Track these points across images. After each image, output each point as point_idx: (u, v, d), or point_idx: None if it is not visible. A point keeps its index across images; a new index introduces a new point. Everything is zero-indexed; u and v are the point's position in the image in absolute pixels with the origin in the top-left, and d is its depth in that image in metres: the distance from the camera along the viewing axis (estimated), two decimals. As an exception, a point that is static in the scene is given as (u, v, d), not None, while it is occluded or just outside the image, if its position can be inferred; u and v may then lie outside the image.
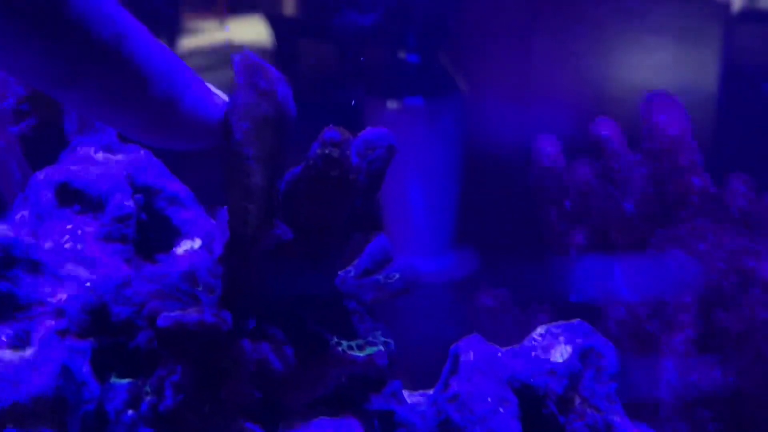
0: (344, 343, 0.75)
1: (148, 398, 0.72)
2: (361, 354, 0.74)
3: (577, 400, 0.84)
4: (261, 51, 1.42)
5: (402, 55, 1.32)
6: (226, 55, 1.41)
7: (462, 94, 1.31)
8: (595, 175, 1.01)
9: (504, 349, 0.85)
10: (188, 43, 1.41)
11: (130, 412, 0.71)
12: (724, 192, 0.95)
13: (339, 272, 0.83)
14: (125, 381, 0.73)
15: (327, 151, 0.73)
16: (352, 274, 0.83)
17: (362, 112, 1.32)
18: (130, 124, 0.66)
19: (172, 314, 0.70)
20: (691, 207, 0.93)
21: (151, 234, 0.91)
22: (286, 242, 0.73)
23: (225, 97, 0.73)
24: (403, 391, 0.91)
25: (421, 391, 0.93)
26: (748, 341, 0.85)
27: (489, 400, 0.81)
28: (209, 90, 0.72)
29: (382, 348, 0.75)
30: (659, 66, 1.23)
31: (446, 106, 1.29)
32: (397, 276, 0.81)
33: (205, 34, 1.41)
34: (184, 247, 0.89)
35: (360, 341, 0.75)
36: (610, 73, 1.24)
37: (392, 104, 1.29)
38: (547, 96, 1.26)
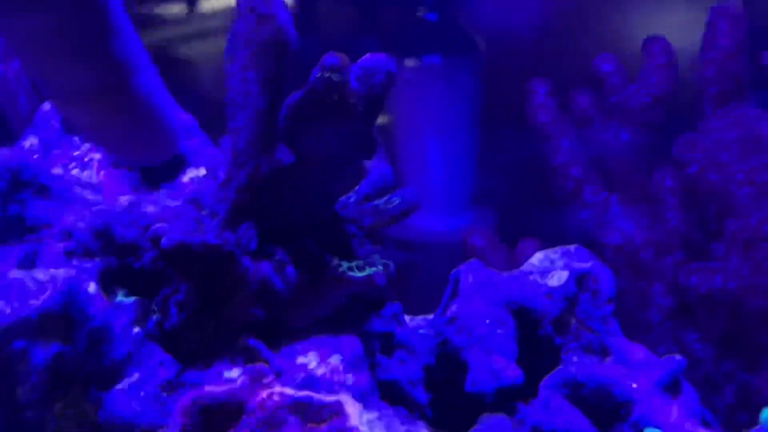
0: (344, 264, 0.76)
1: (154, 316, 0.74)
2: (361, 274, 0.76)
3: (574, 322, 0.85)
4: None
5: (420, 13, 1.32)
6: None
7: (479, 51, 1.31)
8: (594, 106, 1.02)
9: (503, 273, 0.87)
10: (207, 3, 1.41)
11: (136, 329, 0.73)
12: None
13: (341, 197, 0.84)
14: (131, 299, 0.75)
15: (327, 75, 0.74)
16: (353, 199, 0.84)
17: None
18: (74, 79, 0.62)
19: (176, 235, 0.72)
20: (712, 119, 0.94)
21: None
22: (288, 166, 0.75)
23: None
24: (406, 316, 0.93)
25: (423, 316, 0.95)
26: (753, 249, 0.86)
27: (487, 321, 0.83)
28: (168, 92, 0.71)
29: (380, 269, 0.77)
30: (675, 25, 1.23)
31: (464, 64, 1.29)
32: (397, 201, 0.82)
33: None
34: (189, 175, 0.91)
35: (360, 262, 0.77)
36: (627, 32, 1.24)
37: (410, 62, 1.29)
38: (563, 57, 1.26)
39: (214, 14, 1.41)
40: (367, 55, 0.78)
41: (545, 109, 1.08)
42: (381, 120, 1.37)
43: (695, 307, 0.90)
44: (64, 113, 0.64)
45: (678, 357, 0.79)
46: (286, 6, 0.73)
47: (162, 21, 1.40)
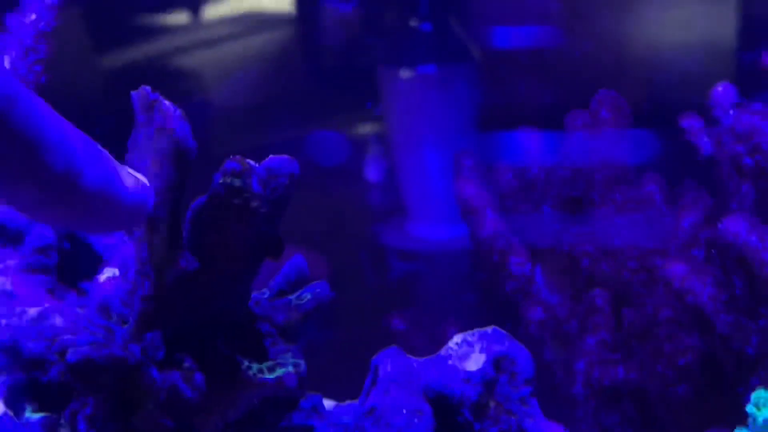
0: (254, 366, 0.77)
1: (62, 431, 0.74)
2: (272, 376, 0.76)
3: (492, 406, 0.86)
4: (281, 18, 1.43)
5: (414, 23, 1.33)
6: (250, 23, 1.43)
7: (475, 61, 1.32)
8: (516, 178, 1.03)
9: (421, 360, 0.88)
10: (211, 11, 1.42)
11: (44, 446, 0.73)
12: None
13: (254, 294, 0.85)
14: (40, 415, 0.75)
15: (229, 181, 0.75)
16: (266, 295, 0.85)
17: (377, 81, 1.33)
18: (20, 197, 0.60)
19: (81, 349, 0.72)
20: (613, 204, 0.95)
21: (76, 262, 0.93)
22: (194, 271, 0.76)
23: (144, 180, 0.71)
24: (330, 402, 0.94)
25: (349, 402, 0.95)
26: (650, 339, 0.88)
27: (404, 412, 0.83)
28: (122, 169, 0.69)
29: (291, 369, 0.77)
30: (678, 21, 1.25)
31: (459, 74, 1.30)
32: (309, 296, 0.83)
33: (228, 2, 1.42)
34: (106, 274, 0.91)
35: (270, 363, 0.77)
36: (627, 29, 1.25)
37: (405, 73, 1.30)
38: (563, 57, 1.27)
39: (218, 23, 1.42)
40: (270, 157, 0.79)
41: (470, 182, 1.10)
42: (378, 130, 1.39)
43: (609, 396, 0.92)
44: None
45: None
46: (183, 117, 0.73)
47: (164, 30, 1.41)
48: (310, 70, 1.45)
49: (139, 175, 0.70)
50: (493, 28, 1.30)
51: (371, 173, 1.38)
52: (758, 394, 0.57)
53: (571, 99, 1.10)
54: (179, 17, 1.42)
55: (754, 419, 0.56)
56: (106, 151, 0.66)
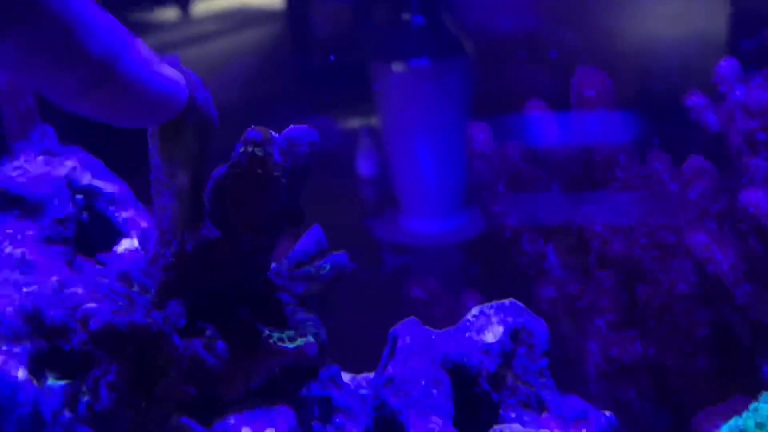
0: (275, 335, 0.77)
1: (84, 398, 0.74)
2: (292, 345, 0.77)
3: (510, 378, 0.86)
4: (272, 12, 1.43)
5: (406, 16, 1.33)
6: (240, 18, 1.43)
7: (467, 54, 1.32)
8: (524, 158, 1.03)
9: (439, 331, 0.88)
10: (202, 7, 1.42)
11: (66, 413, 0.73)
12: (650, 167, 0.97)
13: (274, 265, 0.85)
14: (61, 383, 0.75)
15: (250, 150, 0.75)
16: (285, 266, 0.85)
17: (369, 74, 1.33)
18: (61, 84, 0.61)
19: (104, 316, 0.72)
20: (616, 182, 0.95)
21: (94, 234, 0.93)
22: (215, 240, 0.76)
23: (177, 74, 0.69)
24: (348, 374, 0.94)
25: (365, 374, 0.95)
26: (666, 314, 0.88)
27: (423, 382, 0.83)
28: (156, 57, 0.68)
29: (312, 339, 0.77)
30: (669, 15, 1.25)
31: (452, 67, 1.30)
32: (328, 267, 0.83)
33: (219, -2, 1.42)
34: (124, 245, 0.91)
35: (291, 333, 0.78)
36: (619, 23, 1.25)
37: (398, 66, 1.30)
38: (556, 50, 1.27)
39: (208, 19, 1.42)
40: (291, 126, 0.79)
41: (482, 156, 1.10)
42: (372, 123, 1.38)
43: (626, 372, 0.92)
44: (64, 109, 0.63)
45: (607, 413, 0.80)
46: (204, 86, 0.73)
47: (154, 26, 1.40)
48: (301, 64, 1.45)
49: (176, 72, 0.69)
50: (485, 19, 1.30)
51: (364, 167, 1.38)
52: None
53: (567, 88, 1.10)
54: (169, 13, 1.42)
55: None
56: (142, 41, 0.66)
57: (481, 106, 1.30)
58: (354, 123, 1.43)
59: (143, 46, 0.66)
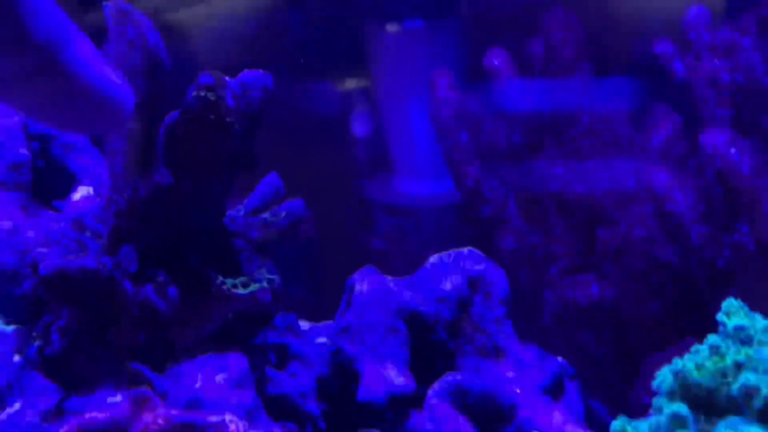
0: (228, 281, 0.76)
1: (36, 343, 0.73)
2: (245, 291, 0.76)
3: (467, 326, 0.86)
4: None
5: None
6: None
7: (461, 15, 1.31)
8: (484, 108, 1.02)
9: (397, 279, 0.88)
10: None
11: (17, 357, 0.73)
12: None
13: (230, 211, 0.84)
14: (12, 327, 0.74)
15: (203, 95, 0.74)
16: (242, 213, 0.84)
17: (363, 35, 1.31)
18: (1, 65, 0.57)
19: (54, 261, 0.72)
20: (580, 126, 0.95)
21: (49, 181, 0.92)
22: (168, 185, 0.75)
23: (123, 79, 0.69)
24: (307, 323, 0.94)
25: (324, 322, 0.95)
26: (623, 258, 0.88)
27: (379, 330, 0.83)
28: (103, 58, 0.63)
29: (265, 285, 0.77)
30: None
31: (446, 28, 1.29)
32: (283, 214, 0.83)
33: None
34: (80, 193, 0.90)
35: (244, 279, 0.77)
36: None
37: (391, 27, 1.28)
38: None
39: None
40: (244, 71, 0.78)
41: (447, 103, 1.08)
42: (364, 85, 1.37)
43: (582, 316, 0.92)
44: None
45: (559, 359, 0.80)
46: (155, 29, 0.72)
47: None
48: (297, 22, 1.43)
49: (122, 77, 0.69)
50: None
51: (357, 128, 1.37)
52: (729, 303, 0.57)
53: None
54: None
55: (725, 326, 0.56)
56: (92, 43, 0.64)
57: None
58: (348, 84, 1.41)
59: (92, 45, 0.64)
